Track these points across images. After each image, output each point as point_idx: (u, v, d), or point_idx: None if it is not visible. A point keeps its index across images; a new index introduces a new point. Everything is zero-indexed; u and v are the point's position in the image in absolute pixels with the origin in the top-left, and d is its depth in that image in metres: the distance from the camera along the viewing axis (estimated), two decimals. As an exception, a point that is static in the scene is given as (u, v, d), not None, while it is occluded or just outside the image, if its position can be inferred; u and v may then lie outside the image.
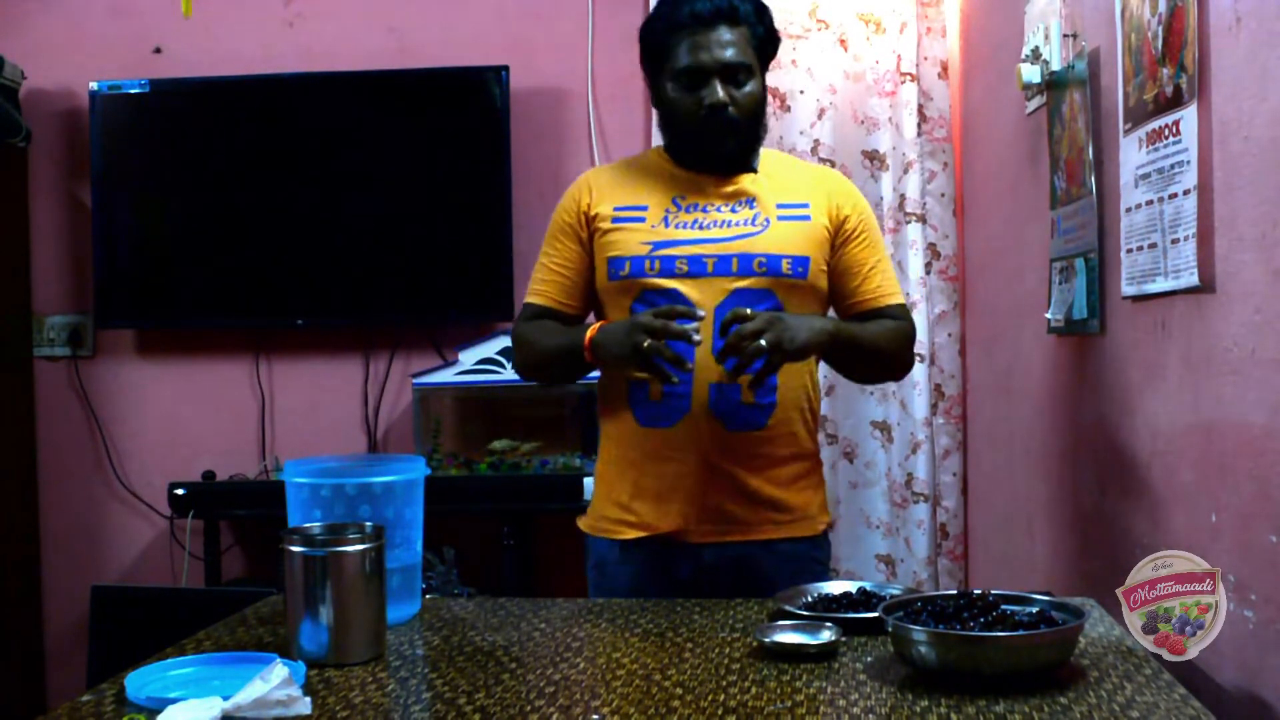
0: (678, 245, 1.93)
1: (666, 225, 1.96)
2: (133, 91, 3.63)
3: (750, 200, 1.98)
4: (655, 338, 1.77)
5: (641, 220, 1.97)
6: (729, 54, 1.93)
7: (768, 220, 1.97)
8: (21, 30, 3.76)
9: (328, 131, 3.64)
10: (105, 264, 3.66)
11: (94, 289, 3.68)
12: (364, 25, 3.71)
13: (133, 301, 3.70)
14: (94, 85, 3.63)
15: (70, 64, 3.74)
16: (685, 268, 1.92)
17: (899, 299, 2.04)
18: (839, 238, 2.01)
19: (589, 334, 1.90)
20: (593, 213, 2.00)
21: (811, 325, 1.85)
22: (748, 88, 1.95)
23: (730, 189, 1.99)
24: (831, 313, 2.05)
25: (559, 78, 3.64)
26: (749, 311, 1.79)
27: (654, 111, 2.06)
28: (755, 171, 2.02)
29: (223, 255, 3.69)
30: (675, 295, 1.91)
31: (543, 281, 2.04)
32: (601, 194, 2.02)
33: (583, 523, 2.07)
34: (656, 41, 1.98)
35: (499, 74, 3.53)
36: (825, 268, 1.99)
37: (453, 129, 3.58)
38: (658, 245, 1.94)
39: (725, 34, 1.93)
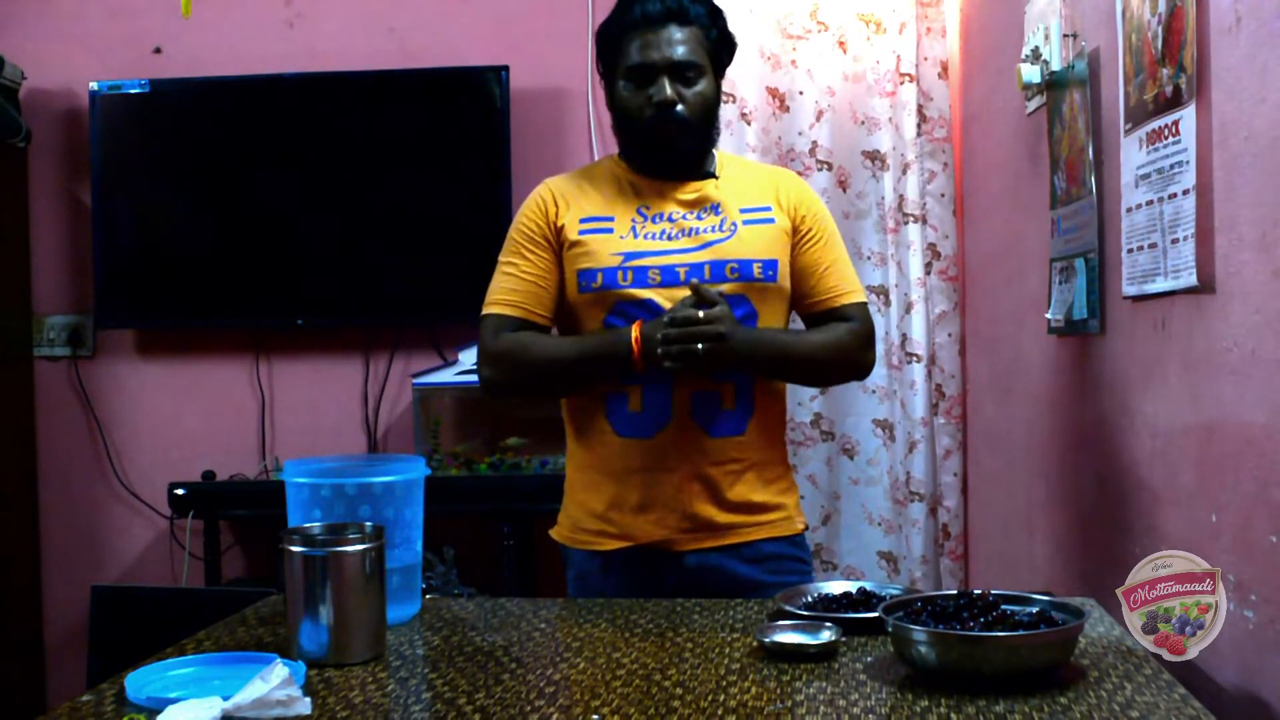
0: (649, 255, 1.93)
1: (635, 235, 1.95)
2: (133, 91, 3.63)
3: (715, 206, 1.98)
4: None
5: (609, 231, 1.96)
6: (678, 52, 1.93)
7: (735, 225, 1.96)
8: (21, 30, 3.76)
9: (328, 131, 3.64)
10: (105, 264, 3.66)
11: (94, 289, 3.68)
12: (364, 25, 3.71)
13: (133, 301, 3.71)
14: (94, 85, 3.63)
15: (70, 64, 3.74)
16: (658, 277, 1.92)
17: (857, 297, 2.03)
18: (796, 237, 2.01)
19: (635, 335, 1.86)
20: (560, 223, 1.98)
21: (745, 347, 1.87)
22: (698, 86, 1.95)
23: (692, 195, 1.99)
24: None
25: (559, 78, 3.65)
26: (718, 298, 1.84)
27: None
28: (715, 177, 2.02)
29: (223, 255, 3.69)
30: (650, 305, 1.91)
31: (512, 292, 1.98)
32: (566, 204, 2.00)
33: (556, 533, 2.06)
34: (610, 42, 1.99)
35: (499, 74, 3.53)
36: (789, 269, 2.00)
37: (453, 129, 3.58)
38: (629, 256, 1.93)
39: (675, 33, 1.94)
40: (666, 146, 1.96)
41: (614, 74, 1.99)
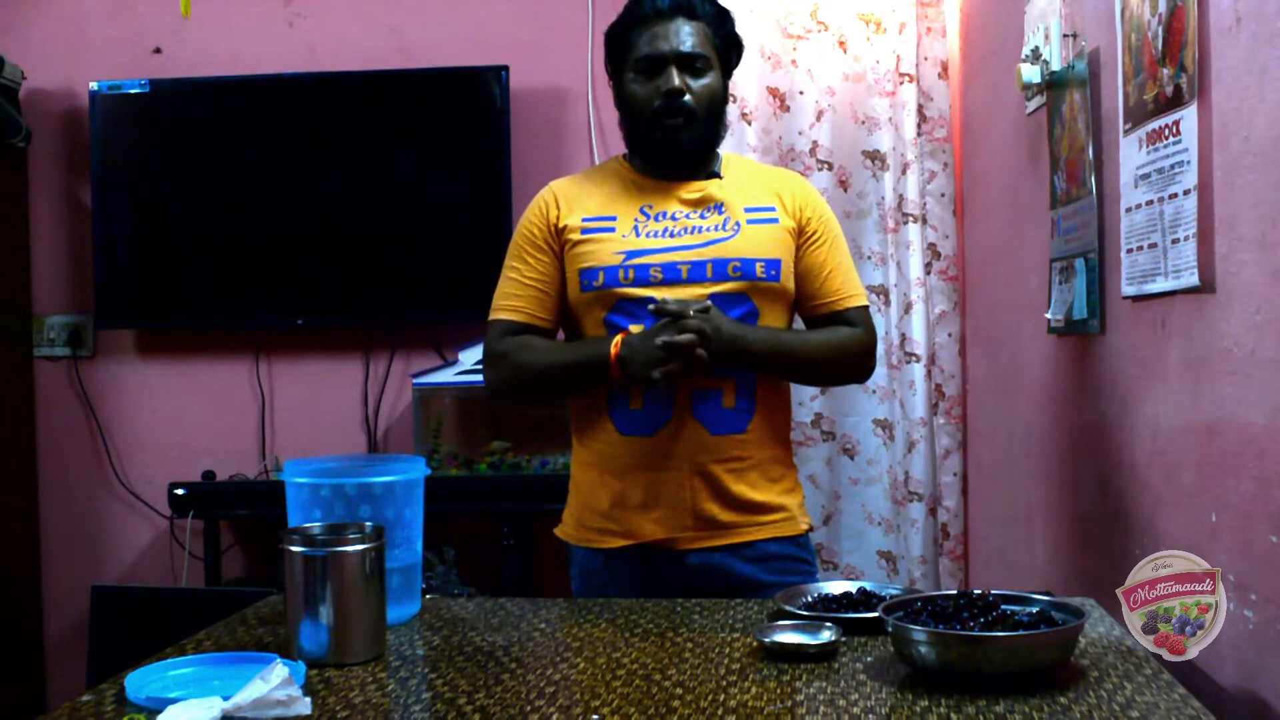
0: (651, 254, 1.93)
1: (638, 234, 1.95)
2: (133, 91, 3.63)
3: (719, 205, 1.99)
4: (673, 354, 1.82)
5: (611, 230, 1.96)
6: (686, 44, 1.96)
7: (738, 224, 1.97)
8: (21, 30, 3.76)
9: (328, 131, 3.64)
10: (105, 264, 3.66)
11: (94, 289, 3.68)
12: (364, 25, 3.71)
13: (133, 301, 3.71)
14: (94, 85, 3.63)
15: (70, 64, 3.74)
16: (660, 275, 1.92)
17: (859, 301, 2.04)
18: (801, 238, 2.01)
19: (614, 350, 1.87)
20: (561, 224, 1.99)
21: (731, 345, 1.87)
22: (705, 79, 1.97)
23: (696, 195, 1.99)
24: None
25: (559, 78, 3.65)
26: (690, 315, 1.83)
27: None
28: (720, 177, 2.02)
29: (223, 255, 3.69)
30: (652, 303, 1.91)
31: (515, 296, 2.00)
32: (569, 206, 2.01)
33: (561, 531, 2.06)
34: (618, 39, 2.02)
35: (499, 74, 3.53)
36: (793, 269, 2.00)
37: (453, 129, 3.58)
38: (630, 255, 1.94)
39: (684, 26, 1.97)
40: (672, 136, 1.96)
41: (622, 69, 2.01)
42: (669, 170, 2.01)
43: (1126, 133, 1.82)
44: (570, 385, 1.99)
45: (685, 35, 1.96)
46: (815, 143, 3.33)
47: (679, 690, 1.36)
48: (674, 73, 1.94)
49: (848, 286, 2.02)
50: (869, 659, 1.46)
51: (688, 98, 1.95)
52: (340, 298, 3.65)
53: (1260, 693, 1.44)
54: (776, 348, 1.95)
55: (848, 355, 2.01)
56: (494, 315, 2.03)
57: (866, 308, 2.05)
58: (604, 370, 1.89)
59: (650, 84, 1.96)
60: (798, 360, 1.98)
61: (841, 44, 3.35)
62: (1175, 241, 1.64)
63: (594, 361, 1.90)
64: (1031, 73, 2.29)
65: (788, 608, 1.63)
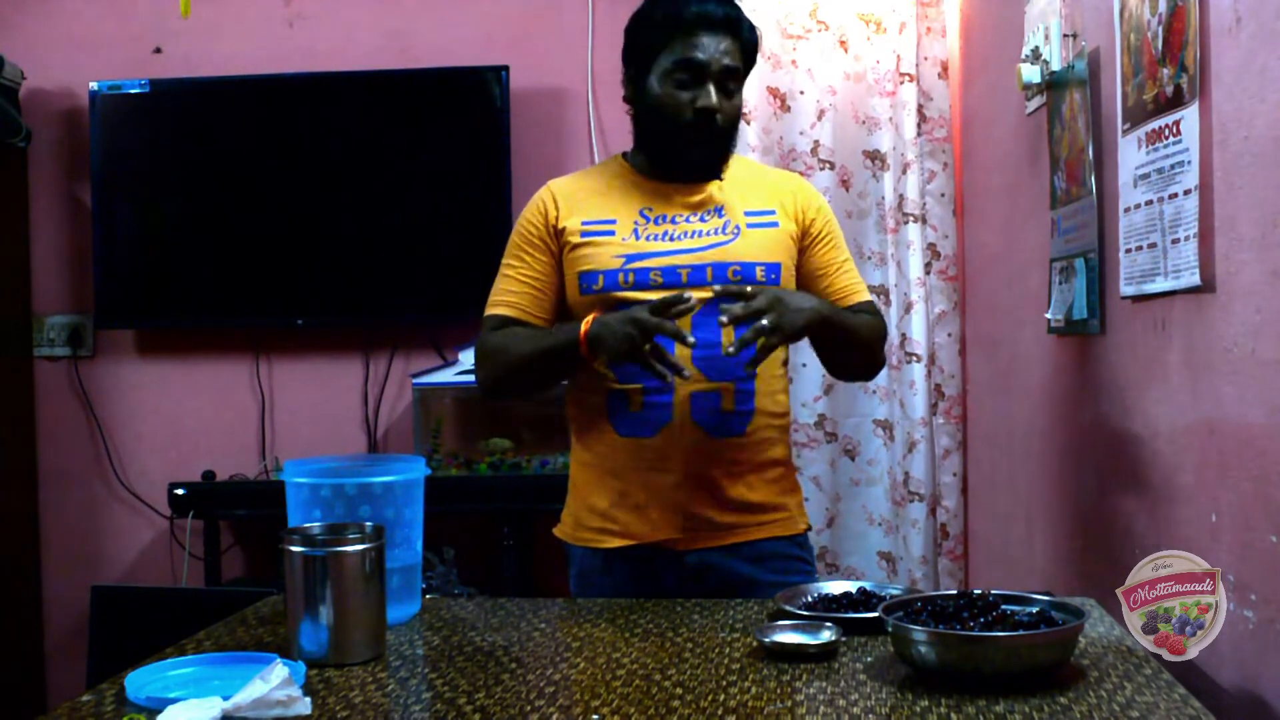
0: (650, 257, 1.93)
1: (637, 238, 1.95)
2: (133, 91, 3.63)
3: (719, 209, 1.98)
4: (649, 336, 1.76)
5: (611, 234, 1.95)
6: (729, 60, 1.94)
7: (738, 228, 1.96)
8: (21, 30, 3.76)
9: (328, 131, 3.65)
10: (105, 264, 3.66)
11: (94, 289, 3.68)
12: (364, 25, 3.72)
13: (133, 301, 3.71)
14: (94, 85, 3.63)
15: (70, 64, 3.75)
16: (659, 279, 1.91)
17: (867, 295, 2.06)
18: (805, 241, 2.01)
19: (584, 329, 1.84)
20: (560, 226, 1.98)
21: (807, 308, 1.83)
22: (735, 99, 1.97)
23: (697, 198, 1.98)
24: None
25: (559, 78, 3.64)
26: (749, 289, 1.79)
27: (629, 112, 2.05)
28: (719, 179, 2.01)
29: (223, 255, 3.70)
30: None
31: (510, 293, 1.99)
32: (568, 207, 2.00)
33: (560, 531, 2.06)
34: (651, 37, 1.96)
35: (499, 74, 3.53)
36: (794, 272, 2.00)
37: (453, 129, 3.58)
38: (630, 258, 1.93)
39: (728, 41, 1.94)
40: (696, 150, 1.95)
41: (648, 67, 1.96)
42: (674, 175, 2.00)
43: (1125, 133, 1.82)
44: (548, 372, 1.97)
45: (728, 51, 1.93)
46: (816, 142, 3.33)
47: (679, 690, 1.36)
48: (712, 90, 1.91)
49: (855, 283, 2.05)
50: (869, 659, 1.46)
51: (719, 117, 1.93)
52: (340, 298, 3.65)
53: (1260, 693, 1.44)
54: (846, 321, 1.94)
55: (881, 340, 2.05)
56: (488, 311, 2.02)
57: (874, 301, 2.08)
58: (574, 351, 1.85)
59: (686, 94, 1.92)
60: (858, 335, 1.98)
61: (842, 44, 3.35)
62: (1175, 241, 1.64)
63: (565, 344, 1.87)
64: (1031, 73, 2.29)
65: (788, 608, 1.63)
